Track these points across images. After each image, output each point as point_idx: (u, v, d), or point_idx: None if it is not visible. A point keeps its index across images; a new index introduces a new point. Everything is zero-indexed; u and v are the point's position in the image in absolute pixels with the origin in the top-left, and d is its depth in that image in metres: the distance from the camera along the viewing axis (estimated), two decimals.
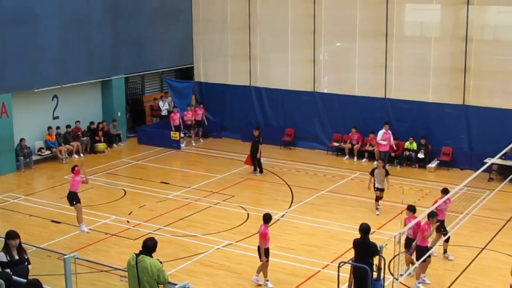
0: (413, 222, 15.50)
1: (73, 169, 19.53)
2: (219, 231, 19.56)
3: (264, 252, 15.67)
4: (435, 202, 16.93)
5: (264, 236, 15.58)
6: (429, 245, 16.05)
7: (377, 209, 21.01)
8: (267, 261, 15.78)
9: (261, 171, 25.33)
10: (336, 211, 21.43)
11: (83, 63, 27.98)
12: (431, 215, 15.81)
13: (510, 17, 25.77)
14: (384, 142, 25.85)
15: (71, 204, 19.28)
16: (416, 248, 15.78)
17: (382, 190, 20.97)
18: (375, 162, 22.02)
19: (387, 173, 21.10)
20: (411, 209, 16.23)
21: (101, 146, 28.75)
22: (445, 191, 17.44)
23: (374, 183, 20.99)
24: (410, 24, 28.19)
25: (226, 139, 30.73)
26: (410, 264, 16.12)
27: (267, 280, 15.92)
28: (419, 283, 16.00)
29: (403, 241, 15.47)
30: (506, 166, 23.21)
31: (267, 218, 15.72)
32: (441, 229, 17.08)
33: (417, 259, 15.62)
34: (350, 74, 28.53)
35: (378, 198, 21.08)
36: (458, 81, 26.00)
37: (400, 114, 27.06)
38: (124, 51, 29.55)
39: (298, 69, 29.49)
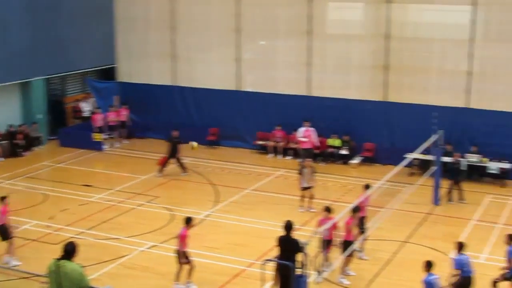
0: (330, 222, 15.57)
1: (1, 199, 17.31)
2: (142, 233, 19.30)
3: (182, 255, 15.51)
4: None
5: (183, 239, 15.42)
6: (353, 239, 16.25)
7: (301, 206, 21.11)
8: (189, 262, 15.62)
9: (184, 171, 25.16)
10: (261, 209, 21.46)
11: (1, 64, 27.13)
12: (354, 210, 16.00)
13: (429, 15, 26.39)
14: (305, 139, 26.02)
15: (3, 239, 17.14)
16: (342, 243, 15.99)
17: (309, 188, 21.06)
18: (299, 160, 22.11)
19: (313, 171, 21.24)
20: (327, 209, 16.34)
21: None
22: (367, 187, 17.67)
23: (301, 182, 21.07)
24: (333, 22, 28.56)
25: (150, 140, 30.38)
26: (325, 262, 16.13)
27: (189, 283, 15.74)
28: (343, 277, 16.17)
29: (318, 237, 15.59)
30: (426, 161, 23.69)
31: (187, 221, 15.58)
32: (361, 226, 17.26)
33: (343, 253, 15.82)
34: (274, 72, 28.72)
35: (304, 197, 21.13)
36: (379, 77, 26.48)
37: (323, 111, 27.30)
38: (44, 51, 28.80)
39: (222, 67, 29.46)
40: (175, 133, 25.13)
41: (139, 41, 31.13)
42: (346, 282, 16.14)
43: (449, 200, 22.16)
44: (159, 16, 30.43)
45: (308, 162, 21.45)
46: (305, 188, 21.04)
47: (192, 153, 26.80)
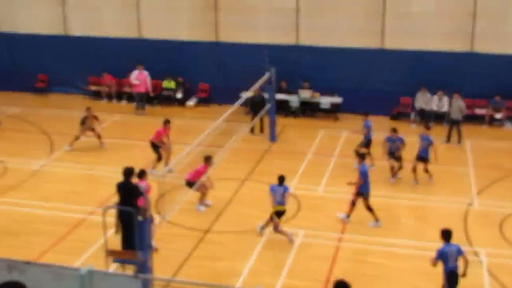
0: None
1: None
2: None
3: None
4: (199, 171, 16.90)
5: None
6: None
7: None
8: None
9: None
10: (98, 155, 21.01)
11: None
12: (207, 159, 16.85)
13: None
14: (137, 82, 25.57)
15: None
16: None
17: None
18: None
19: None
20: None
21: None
22: (207, 160, 17.25)
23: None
24: None
25: None
26: None
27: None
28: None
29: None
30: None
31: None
32: None
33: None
34: (101, 14, 27.69)
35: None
36: (210, 17, 26.36)
37: (156, 53, 26.87)
38: None
39: (43, 10, 28.01)
40: None
41: None
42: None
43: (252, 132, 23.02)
44: None
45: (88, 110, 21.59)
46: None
47: (20, 101, 25.60)
